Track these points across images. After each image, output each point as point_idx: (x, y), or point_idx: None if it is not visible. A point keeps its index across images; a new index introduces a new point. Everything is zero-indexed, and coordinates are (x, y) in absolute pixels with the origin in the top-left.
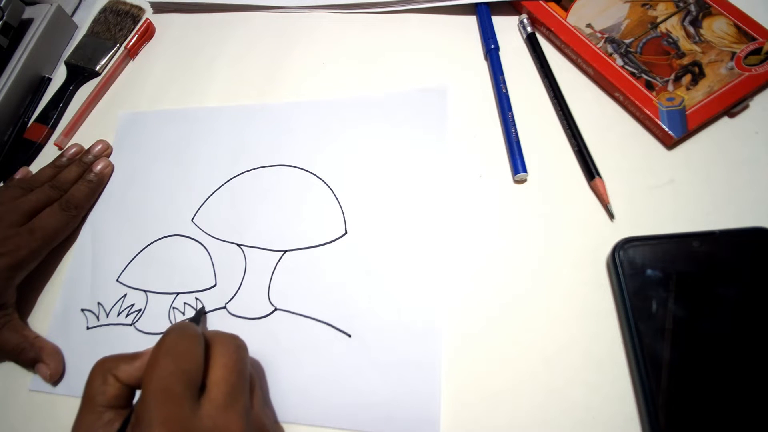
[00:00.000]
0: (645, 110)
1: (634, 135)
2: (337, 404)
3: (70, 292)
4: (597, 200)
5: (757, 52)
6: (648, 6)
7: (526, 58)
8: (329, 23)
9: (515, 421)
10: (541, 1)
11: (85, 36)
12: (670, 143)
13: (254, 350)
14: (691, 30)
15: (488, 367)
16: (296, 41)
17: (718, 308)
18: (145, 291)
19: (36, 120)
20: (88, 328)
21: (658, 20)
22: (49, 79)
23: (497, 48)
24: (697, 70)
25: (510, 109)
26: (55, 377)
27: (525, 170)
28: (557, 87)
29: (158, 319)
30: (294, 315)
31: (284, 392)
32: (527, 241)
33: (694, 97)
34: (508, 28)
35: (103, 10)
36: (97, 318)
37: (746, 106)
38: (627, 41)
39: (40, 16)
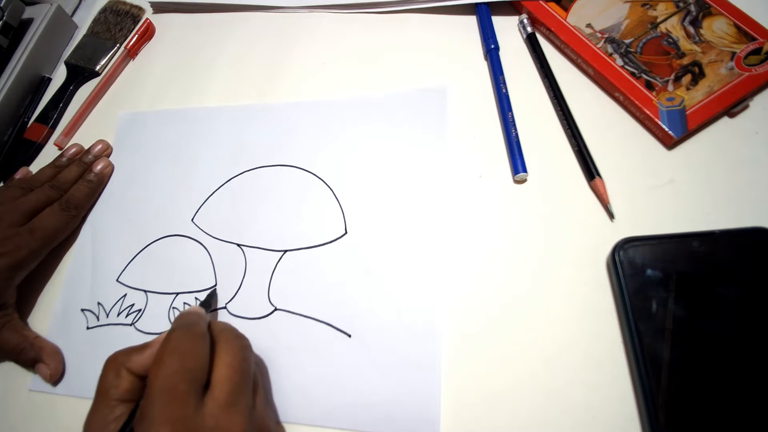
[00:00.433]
0: (645, 110)
1: (634, 135)
2: (337, 404)
3: (70, 292)
4: (597, 200)
5: (757, 52)
6: (648, 6)
7: (526, 58)
8: (329, 23)
9: (515, 421)
10: (541, 1)
11: (85, 36)
12: (670, 143)
13: (254, 350)
14: (691, 30)
15: (488, 367)
16: (296, 41)
17: (718, 308)
18: (145, 291)
19: (36, 120)
20: (88, 328)
21: (658, 20)
22: (49, 79)
23: (497, 48)
24: (697, 70)
25: (510, 109)
26: (55, 377)
27: (525, 170)
28: (557, 87)
29: (158, 319)
30: (294, 315)
31: (284, 392)
32: (527, 241)
33: (694, 97)
34: (508, 28)
35: (103, 10)
36: (97, 318)
37: (746, 106)
38: (627, 41)
39: (40, 16)
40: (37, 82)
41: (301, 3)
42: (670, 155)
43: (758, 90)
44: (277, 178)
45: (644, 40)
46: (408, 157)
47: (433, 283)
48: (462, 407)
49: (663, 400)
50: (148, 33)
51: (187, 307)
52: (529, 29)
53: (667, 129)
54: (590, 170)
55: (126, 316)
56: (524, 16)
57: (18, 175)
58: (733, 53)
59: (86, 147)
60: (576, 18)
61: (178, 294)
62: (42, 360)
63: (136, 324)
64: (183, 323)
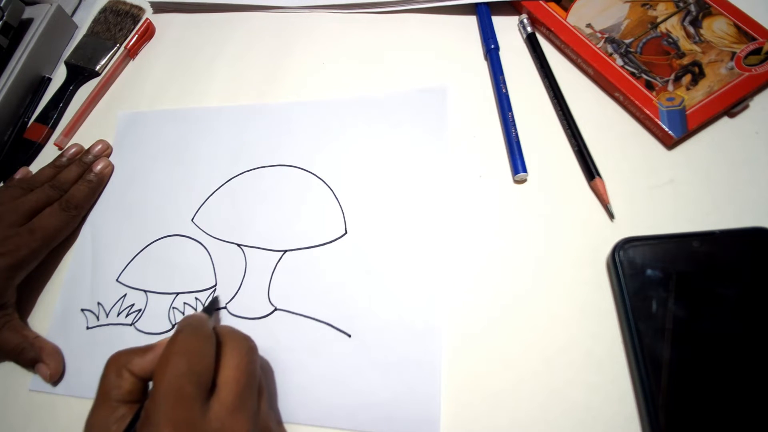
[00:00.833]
0: (645, 110)
1: (634, 135)
2: (337, 404)
3: (70, 292)
4: (597, 200)
5: (757, 52)
6: (648, 6)
7: (526, 58)
8: (329, 23)
9: (515, 421)
10: (541, 1)
11: (85, 36)
12: (670, 143)
13: None
14: (691, 30)
15: (488, 367)
16: (296, 41)
17: (718, 308)
18: (145, 291)
19: (36, 120)
20: (88, 328)
21: (658, 20)
22: (49, 79)
23: (497, 48)
24: (697, 70)
25: (510, 109)
26: (55, 377)
27: (525, 170)
28: (557, 87)
29: (158, 319)
30: (294, 315)
31: (284, 392)
32: (527, 241)
33: (694, 97)
34: (508, 28)
35: (103, 10)
36: (97, 318)
37: (746, 106)
38: (627, 41)
39: (40, 16)
40: (37, 82)
41: (301, 3)
42: (670, 155)
43: (758, 90)
44: (277, 178)
45: (644, 40)
46: (408, 157)
47: (433, 283)
48: (462, 407)
49: (663, 400)
50: (148, 33)
51: (188, 308)
52: (529, 29)
53: (667, 129)
54: (590, 170)
55: (126, 316)
56: (524, 16)
57: (18, 175)
58: (733, 53)
59: (86, 147)
60: (576, 18)
61: (178, 294)
62: (42, 360)
63: (136, 324)
64: (189, 324)
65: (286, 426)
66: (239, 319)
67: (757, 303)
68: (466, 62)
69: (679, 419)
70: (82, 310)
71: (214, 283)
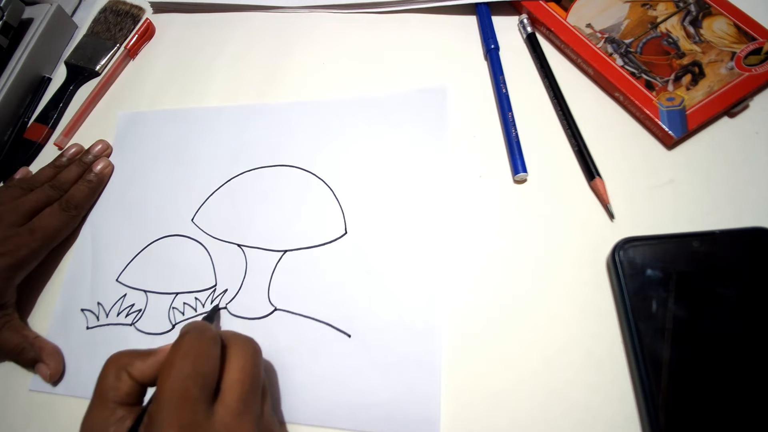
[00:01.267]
0: (645, 110)
1: (634, 135)
2: (337, 404)
3: (70, 292)
4: (597, 200)
5: (757, 52)
6: (648, 6)
7: (526, 58)
8: (329, 23)
9: (515, 421)
10: (541, 1)
11: (85, 36)
12: (670, 143)
13: None
14: (691, 30)
15: (488, 367)
16: (296, 41)
17: (718, 308)
18: (145, 291)
19: (36, 120)
20: (88, 328)
21: (658, 20)
22: (49, 79)
23: (497, 48)
24: (697, 70)
25: (510, 109)
26: (55, 377)
27: (525, 170)
28: (557, 87)
29: (158, 319)
30: (294, 315)
31: (284, 392)
32: (527, 241)
33: (694, 97)
34: (508, 28)
35: (103, 10)
36: (97, 318)
37: (746, 106)
38: (627, 41)
39: (40, 16)
40: (37, 82)
41: (301, 3)
42: (670, 155)
43: (758, 90)
44: (277, 178)
45: (644, 40)
46: (408, 157)
47: (433, 283)
48: (462, 407)
49: (663, 400)
50: (148, 33)
51: (188, 308)
52: (529, 29)
53: (667, 129)
54: (590, 170)
55: (126, 316)
56: (524, 16)
57: (18, 175)
58: (733, 53)
59: (86, 147)
60: (576, 18)
61: (178, 294)
62: (42, 360)
63: (136, 324)
64: (194, 327)
65: (286, 425)
66: (239, 319)
67: (757, 303)
68: (466, 62)
69: (679, 419)
70: (82, 310)
71: (214, 283)
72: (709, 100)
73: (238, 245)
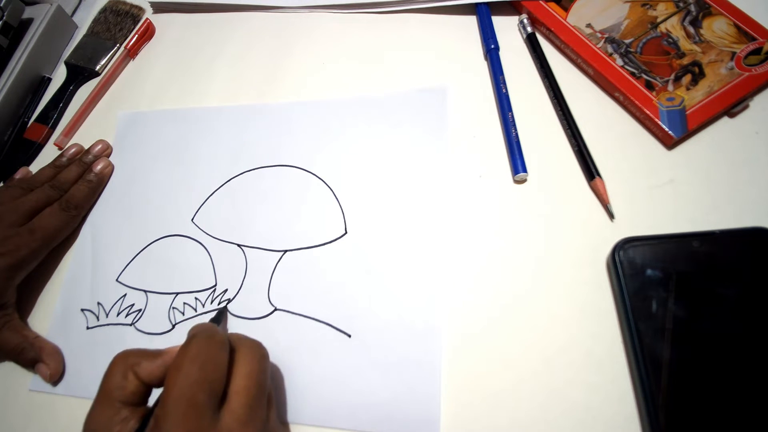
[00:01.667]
0: (645, 110)
1: (634, 135)
2: (337, 404)
3: (70, 292)
4: (597, 200)
5: (757, 52)
6: (648, 6)
7: (526, 58)
8: (329, 23)
9: (515, 421)
10: (541, 1)
11: (85, 36)
12: (670, 143)
13: None
14: (691, 30)
15: (488, 367)
16: (296, 41)
17: (718, 308)
18: (145, 291)
19: (36, 120)
20: (88, 328)
21: (658, 20)
22: (49, 79)
23: (497, 48)
24: (697, 70)
25: (510, 109)
26: (55, 377)
27: (525, 170)
28: (557, 87)
29: (158, 319)
30: (294, 315)
31: (284, 392)
32: (527, 241)
33: (694, 97)
34: (508, 28)
35: (103, 10)
36: (97, 318)
37: (746, 106)
38: (627, 41)
39: (40, 16)
40: (37, 82)
41: (301, 3)
42: (670, 155)
43: (758, 90)
44: (277, 178)
45: (644, 40)
46: (408, 157)
47: (433, 282)
48: (462, 407)
49: (663, 400)
50: (148, 33)
51: (188, 308)
52: (529, 29)
53: (667, 129)
54: (590, 170)
55: (126, 316)
56: (524, 16)
57: (18, 175)
58: (733, 53)
59: (86, 147)
60: (576, 18)
61: (178, 294)
62: (42, 360)
63: (136, 324)
64: (203, 330)
65: (289, 426)
66: (239, 319)
67: (757, 303)
68: (466, 62)
69: (679, 419)
70: (82, 310)
71: (214, 283)
72: (709, 100)
73: (238, 245)
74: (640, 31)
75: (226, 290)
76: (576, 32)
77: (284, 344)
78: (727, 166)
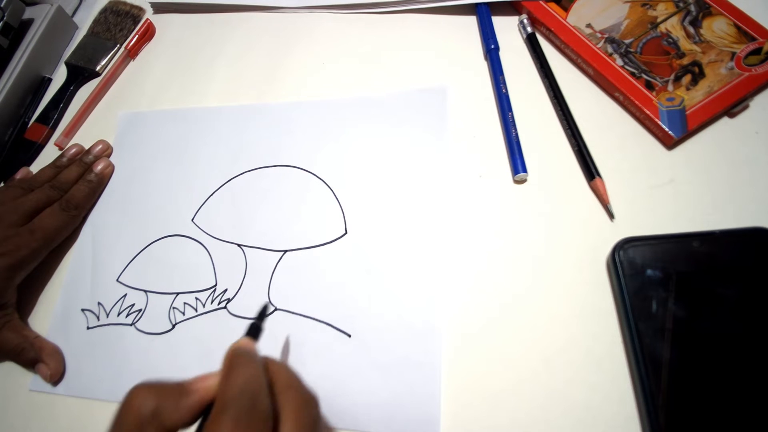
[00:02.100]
0: (645, 110)
1: (634, 135)
2: (337, 404)
3: (70, 292)
4: (597, 200)
5: (757, 52)
6: (648, 6)
7: (526, 58)
8: (329, 23)
9: (515, 421)
10: (541, 1)
11: (85, 36)
12: (670, 143)
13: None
14: (691, 30)
15: (488, 367)
16: (296, 41)
17: (718, 308)
18: (145, 291)
19: (36, 120)
20: (88, 328)
21: (658, 20)
22: (50, 80)
23: (497, 48)
24: (697, 70)
25: (510, 109)
26: (55, 377)
27: (525, 170)
28: (557, 87)
29: (158, 319)
30: (294, 315)
31: None
32: (527, 241)
33: (694, 97)
34: (508, 28)
35: (104, 11)
36: (97, 318)
37: (746, 106)
38: (627, 41)
39: (40, 17)
40: (38, 83)
41: (301, 3)
42: (670, 155)
43: (758, 90)
44: (277, 178)
45: (644, 40)
46: (408, 157)
47: (433, 282)
48: (462, 407)
49: (663, 400)
50: (148, 33)
51: (188, 308)
52: (529, 29)
53: (667, 129)
54: (590, 170)
55: (126, 316)
56: (524, 16)
57: (18, 175)
58: (733, 53)
59: (86, 147)
60: (576, 18)
61: (178, 294)
62: (42, 360)
63: (136, 324)
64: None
65: None
66: (239, 318)
67: (757, 303)
68: (466, 62)
69: (679, 419)
70: (83, 310)
71: (214, 283)
72: (709, 100)
73: (238, 245)
74: (640, 31)
75: (226, 290)
76: (576, 32)
77: (284, 344)
78: (727, 166)
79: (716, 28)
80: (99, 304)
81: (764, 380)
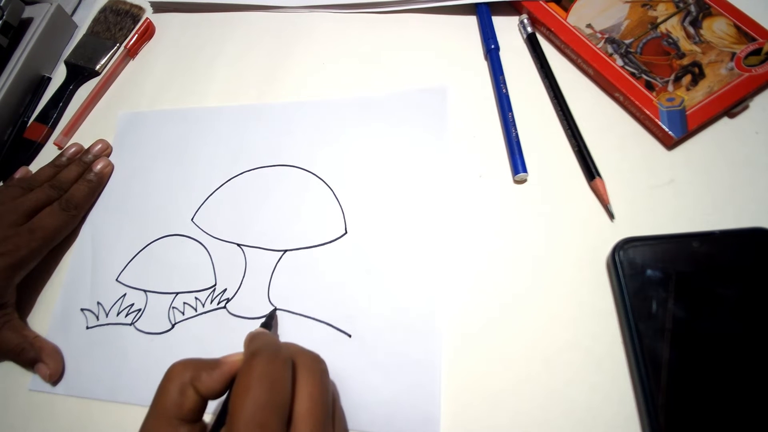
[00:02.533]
0: (645, 110)
1: (634, 135)
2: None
3: (69, 292)
4: (597, 200)
5: (757, 52)
6: (648, 6)
7: (526, 58)
8: (329, 23)
9: (515, 421)
10: (541, 1)
11: (85, 35)
12: (670, 143)
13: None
14: (691, 30)
15: (488, 367)
16: (296, 41)
17: (718, 308)
18: (145, 291)
19: (36, 119)
20: (87, 327)
21: (658, 20)
22: (49, 79)
23: (497, 48)
24: (697, 70)
25: (510, 109)
26: (55, 377)
27: (525, 170)
28: (557, 87)
29: (158, 319)
30: (294, 315)
31: None
32: (527, 241)
33: (694, 97)
34: (508, 28)
35: (103, 10)
36: (97, 318)
37: (746, 107)
38: (627, 41)
39: (40, 16)
40: (37, 82)
41: (301, 3)
42: (670, 155)
43: (758, 90)
44: (277, 178)
45: (644, 41)
46: (408, 157)
47: (433, 282)
48: (462, 407)
49: (663, 400)
50: (148, 33)
51: (188, 307)
52: (529, 29)
53: (667, 129)
54: (590, 170)
55: (126, 316)
56: (524, 16)
57: (18, 175)
58: (733, 54)
59: (86, 146)
60: (576, 18)
61: (177, 294)
62: (41, 360)
63: (135, 324)
64: (266, 345)
65: None
66: (239, 318)
67: (757, 303)
68: (466, 62)
69: (679, 419)
70: (82, 309)
71: (213, 283)
72: (709, 100)
73: (238, 245)
74: (640, 31)
75: (226, 290)
76: (576, 32)
77: None
78: (727, 166)
79: (716, 28)
80: (98, 303)
81: (764, 380)
